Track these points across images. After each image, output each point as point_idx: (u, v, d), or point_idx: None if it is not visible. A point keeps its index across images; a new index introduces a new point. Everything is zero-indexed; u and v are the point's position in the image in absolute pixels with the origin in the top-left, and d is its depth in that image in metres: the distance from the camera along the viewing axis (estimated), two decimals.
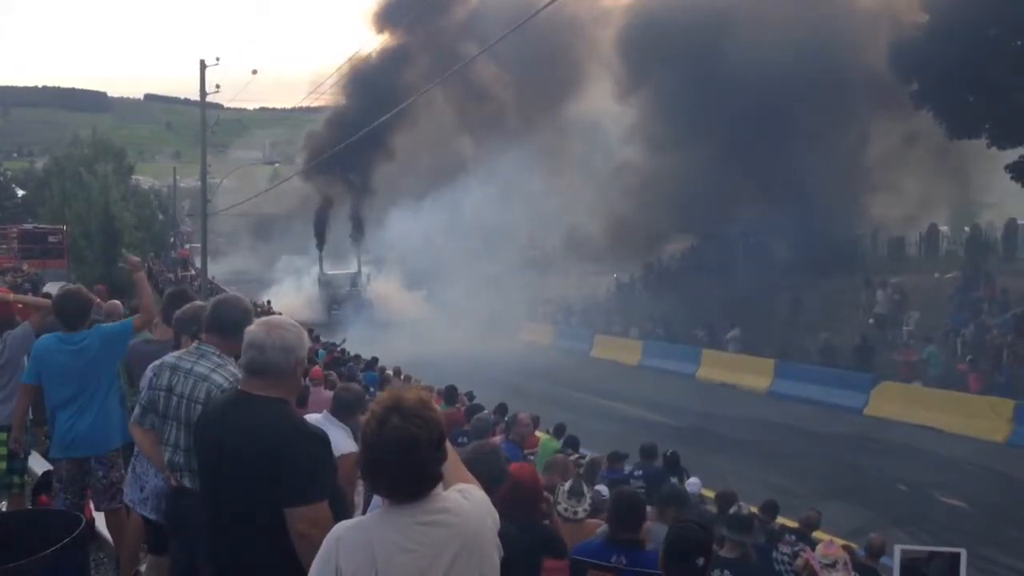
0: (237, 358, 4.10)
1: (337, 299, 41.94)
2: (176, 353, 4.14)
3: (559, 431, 11.72)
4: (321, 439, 3.14)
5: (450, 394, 10.92)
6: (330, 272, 44.95)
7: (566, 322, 33.53)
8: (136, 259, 6.01)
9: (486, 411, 10.98)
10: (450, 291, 34.25)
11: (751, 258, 30.55)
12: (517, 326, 33.06)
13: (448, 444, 2.48)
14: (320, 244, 45.09)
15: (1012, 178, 23.15)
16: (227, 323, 3.95)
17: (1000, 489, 15.23)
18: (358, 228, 43.62)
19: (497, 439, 8.35)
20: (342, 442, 4.65)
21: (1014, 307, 22.09)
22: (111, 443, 5.25)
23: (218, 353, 3.98)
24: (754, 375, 23.91)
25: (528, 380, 23.27)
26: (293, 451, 3.02)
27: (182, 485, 3.88)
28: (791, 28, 27.84)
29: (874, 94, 26.33)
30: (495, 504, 2.56)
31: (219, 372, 3.91)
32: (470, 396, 13.59)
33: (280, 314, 17.95)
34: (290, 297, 42.32)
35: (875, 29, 25.98)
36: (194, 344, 4.11)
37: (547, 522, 4.31)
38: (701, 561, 3.60)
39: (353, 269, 44.71)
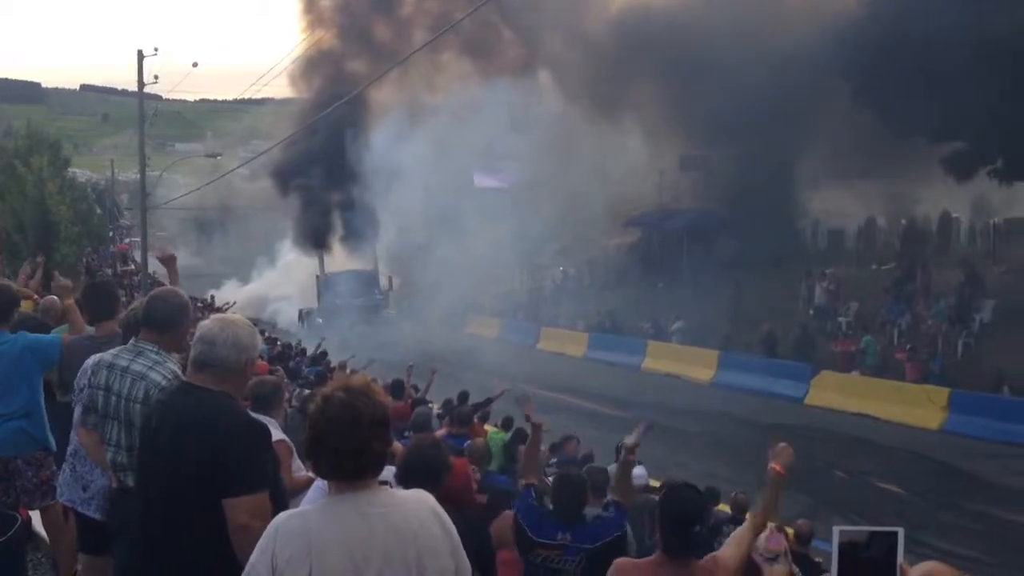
0: (179, 352, 4.06)
1: (342, 308, 33.41)
2: (114, 350, 4.07)
3: (507, 424, 11.76)
4: (262, 430, 3.16)
5: (397, 388, 10.88)
6: (333, 272, 36.86)
7: (512, 315, 33.58)
8: (67, 283, 5.81)
9: (430, 405, 10.99)
10: (418, 278, 33.93)
11: (695, 251, 30.99)
12: (464, 319, 33.06)
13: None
14: (321, 238, 37.79)
15: (946, 172, 23.84)
16: (162, 318, 3.89)
17: (935, 475, 15.68)
18: (368, 218, 35.38)
19: (441, 432, 8.36)
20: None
21: (948, 298, 22.73)
22: (36, 443, 5.12)
23: (156, 350, 3.92)
24: (698, 366, 24.24)
25: (474, 374, 23.34)
26: (234, 441, 3.02)
27: (125, 484, 3.83)
28: (732, 26, 28.31)
29: (814, 89, 26.77)
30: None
31: (157, 370, 3.85)
32: (416, 389, 13.57)
33: (225, 309, 17.53)
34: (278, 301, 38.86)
35: (815, 25, 26.41)
36: (131, 341, 4.04)
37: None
38: (699, 528, 3.59)
39: (366, 266, 36.94)
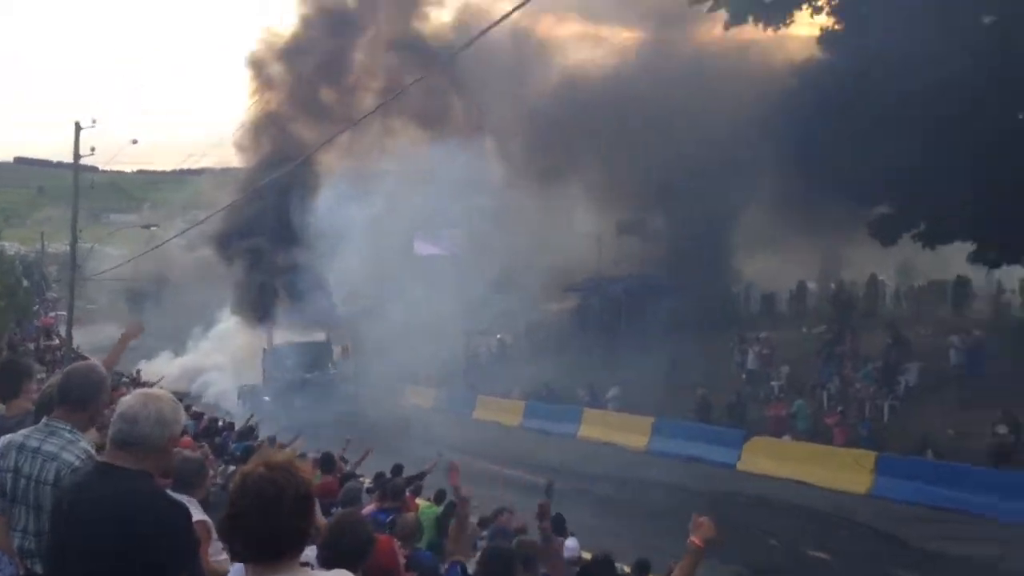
0: (100, 428, 3.97)
1: (291, 382, 30.51)
2: (25, 431, 4.00)
3: (439, 497, 11.65)
4: (183, 511, 3.05)
5: (326, 461, 10.74)
6: (282, 345, 33.36)
7: (450, 383, 33.46)
8: None
9: (361, 479, 10.85)
10: (359, 347, 33.05)
11: (632, 316, 31.34)
12: (401, 389, 32.78)
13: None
14: (266, 306, 34.13)
15: (872, 236, 24.64)
16: (78, 395, 3.83)
17: (863, 540, 15.83)
18: (316, 284, 32.12)
19: (371, 507, 8.28)
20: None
21: (875, 361, 23.30)
22: None
23: (70, 429, 3.84)
24: (633, 433, 24.33)
25: (409, 444, 23.13)
26: (153, 524, 2.91)
27: (33, 572, 3.74)
28: (667, 95, 29.18)
29: (746, 156, 27.59)
30: None
31: (69, 450, 3.77)
32: (345, 462, 13.38)
33: (154, 384, 16.88)
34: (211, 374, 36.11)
35: (747, 93, 27.33)
36: (44, 420, 3.98)
37: None
38: None
39: (315, 336, 33.76)
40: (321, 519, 4.99)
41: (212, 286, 41.58)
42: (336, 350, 33.59)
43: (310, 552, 4.37)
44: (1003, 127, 19.53)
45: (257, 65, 39.84)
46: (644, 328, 29.97)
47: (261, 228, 35.85)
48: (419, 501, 11.35)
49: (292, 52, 38.14)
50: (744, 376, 25.76)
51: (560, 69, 34.93)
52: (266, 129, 39.08)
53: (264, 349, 33.51)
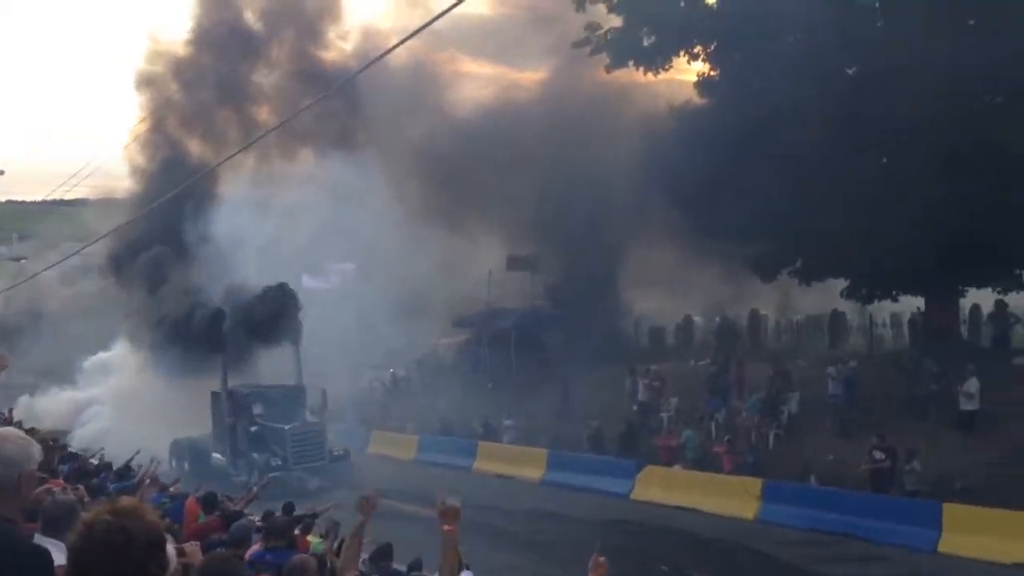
0: None
1: (268, 437, 24.85)
2: None
3: (333, 528, 11.34)
4: (44, 558, 2.90)
5: (209, 501, 10.34)
6: (246, 387, 26.68)
7: (341, 418, 32.84)
8: None
9: (249, 517, 10.47)
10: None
11: (524, 350, 31.50)
12: None
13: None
14: (219, 345, 26.41)
15: (753, 272, 25.51)
16: None
17: (750, 563, 16.23)
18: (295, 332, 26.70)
19: (256, 547, 7.97)
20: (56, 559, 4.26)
21: (759, 392, 24.00)
22: None
23: None
24: (528, 466, 24.35)
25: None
26: (12, 570, 2.78)
27: None
28: (555, 132, 29.72)
29: (633, 194, 28.22)
30: None
31: None
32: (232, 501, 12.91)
33: (18, 425, 15.75)
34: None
35: (633, 135, 28.01)
36: None
37: None
38: None
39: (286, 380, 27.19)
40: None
41: (96, 318, 39.08)
42: (318, 395, 26.74)
43: None
44: (866, 172, 20.55)
45: (148, 83, 38.19)
46: (536, 361, 30.21)
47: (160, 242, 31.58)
48: (310, 538, 11.02)
49: (187, 72, 36.82)
50: (635, 408, 26.14)
51: (455, 105, 35.14)
52: (158, 150, 37.37)
53: (215, 393, 26.61)
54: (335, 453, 24.86)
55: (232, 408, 25.90)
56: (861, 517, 17.32)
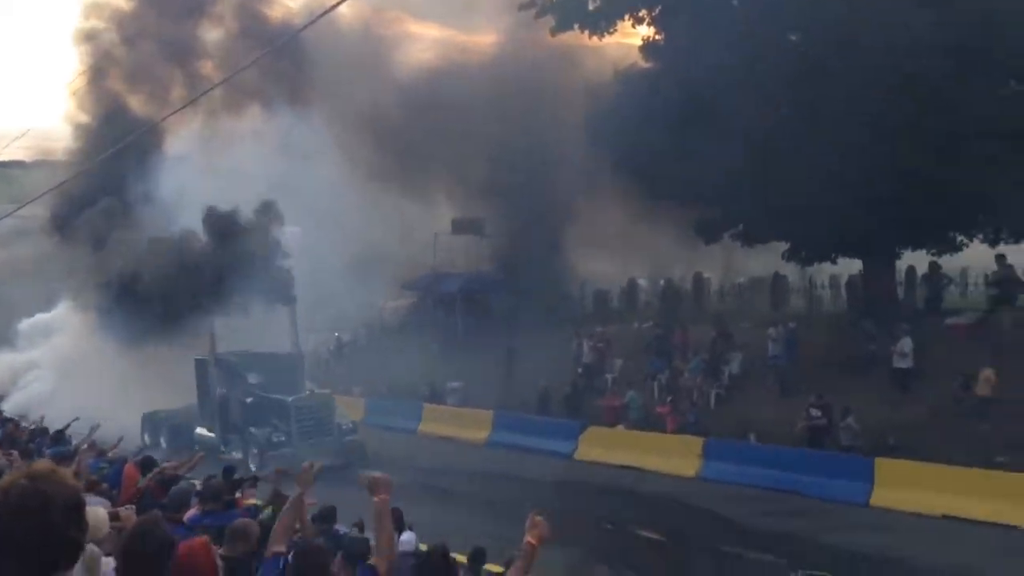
0: None
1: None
2: None
3: (275, 497, 11.30)
4: None
5: (147, 464, 10.23)
6: (229, 354, 23.56)
7: None
8: None
9: (187, 480, 10.38)
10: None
11: (470, 313, 31.55)
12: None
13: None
14: (198, 296, 23.05)
15: (696, 235, 25.75)
16: None
17: (692, 519, 16.60)
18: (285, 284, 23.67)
19: (194, 511, 7.93)
20: None
21: (702, 353, 24.38)
22: None
23: None
24: (473, 428, 24.51)
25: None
26: None
27: None
28: (501, 95, 29.53)
29: (578, 157, 28.23)
30: None
31: None
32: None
33: None
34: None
35: (579, 98, 27.95)
36: None
37: None
38: None
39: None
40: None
41: (34, 282, 37.46)
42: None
43: (108, 566, 4.12)
44: (807, 138, 20.78)
45: (88, 38, 36.72)
46: (482, 325, 30.27)
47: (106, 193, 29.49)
48: (253, 502, 10.98)
49: (129, 27, 35.53)
50: (580, 369, 26.39)
51: (402, 67, 34.69)
52: (99, 104, 35.97)
53: (201, 360, 23.89)
54: (344, 427, 22.47)
55: (223, 377, 23.21)
56: (798, 473, 17.81)
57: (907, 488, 16.26)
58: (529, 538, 4.16)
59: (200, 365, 23.98)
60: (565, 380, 25.46)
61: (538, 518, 4.25)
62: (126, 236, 27.49)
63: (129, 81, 35.39)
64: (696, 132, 21.49)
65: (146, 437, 24.32)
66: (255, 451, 21.27)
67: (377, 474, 4.84)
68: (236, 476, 11.47)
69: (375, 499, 4.70)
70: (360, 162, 32.77)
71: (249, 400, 22.43)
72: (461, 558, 10.21)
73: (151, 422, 25.00)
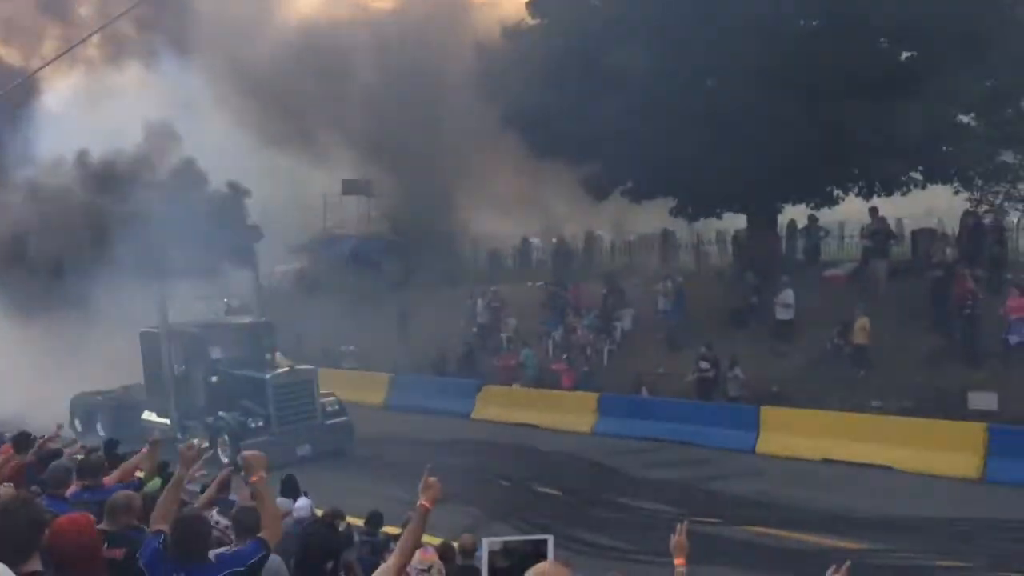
0: None
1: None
2: None
3: (162, 468, 10.98)
4: None
5: (21, 441, 9.76)
6: (184, 324, 20.10)
7: None
8: None
9: (67, 455, 9.97)
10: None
11: (363, 275, 31.14)
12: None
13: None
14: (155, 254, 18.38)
15: (586, 192, 25.95)
16: None
17: (587, 475, 16.92)
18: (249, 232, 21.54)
19: (74, 488, 7.62)
20: None
21: (595, 310, 24.74)
22: None
23: None
24: (370, 391, 24.35)
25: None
26: None
27: None
28: (387, 52, 28.98)
29: (468, 115, 28.03)
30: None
31: None
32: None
33: None
34: None
35: (464, 55, 27.66)
36: None
37: None
38: (330, 565, 3.65)
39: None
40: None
41: None
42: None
43: None
44: (690, 94, 21.11)
45: None
46: (374, 287, 29.92)
47: None
48: (139, 474, 10.65)
49: None
50: (475, 329, 26.48)
51: (285, 24, 33.61)
52: None
53: (148, 332, 20.26)
54: (329, 409, 19.56)
55: (180, 352, 19.75)
56: (689, 424, 18.39)
57: (790, 434, 17.00)
58: (423, 500, 4.21)
59: (148, 338, 20.33)
60: (459, 340, 25.50)
61: (431, 480, 4.30)
62: (3, 198, 25.00)
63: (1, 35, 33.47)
64: (582, 88, 21.59)
65: (77, 424, 21.20)
66: (224, 439, 18.07)
67: (250, 453, 4.89)
68: (119, 451, 11.08)
69: (252, 479, 4.80)
70: (247, 121, 31.80)
71: (214, 379, 19.26)
72: (358, 521, 10.17)
73: (83, 407, 21.56)
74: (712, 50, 20.50)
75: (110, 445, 11.28)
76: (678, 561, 4.64)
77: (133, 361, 20.89)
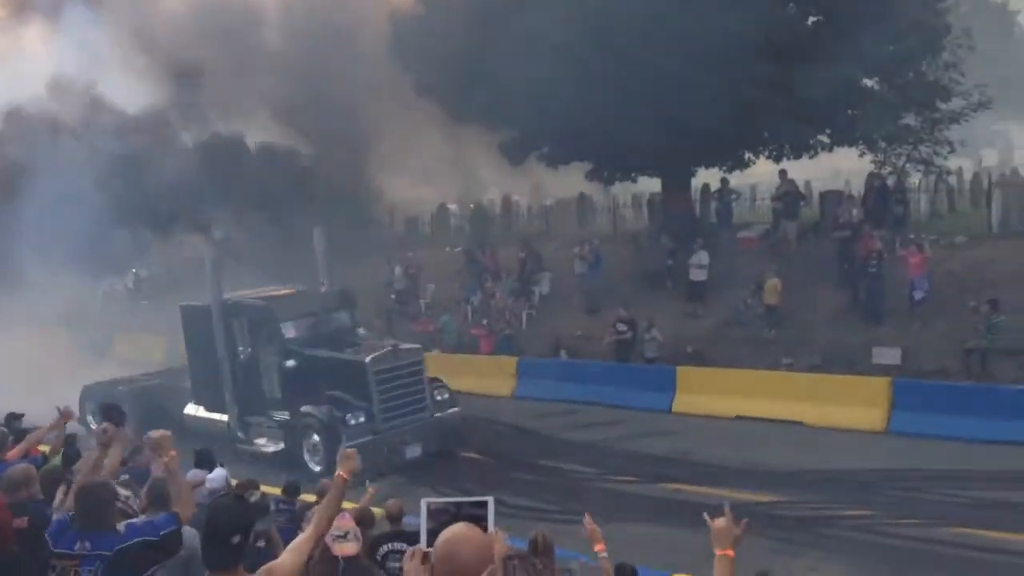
0: None
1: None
2: None
3: (69, 441, 10.63)
4: None
5: None
6: (243, 296, 17.19)
7: (83, 325, 30.62)
8: None
9: None
10: None
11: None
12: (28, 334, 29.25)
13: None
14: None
15: (502, 157, 25.89)
16: None
17: (510, 438, 17.08)
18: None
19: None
20: None
21: (513, 274, 24.80)
22: None
23: None
24: None
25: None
26: None
27: None
28: (291, 13, 28.27)
29: (381, 79, 27.58)
30: None
31: None
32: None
33: None
34: None
35: (377, 18, 27.15)
36: None
37: None
38: (237, 539, 3.65)
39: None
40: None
41: None
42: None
43: None
44: (604, 59, 21.12)
45: None
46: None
47: None
48: (42, 448, 10.31)
49: None
50: (393, 296, 26.29)
51: None
52: None
53: (192, 307, 17.27)
54: (439, 398, 16.24)
55: (244, 330, 16.29)
56: (607, 385, 18.66)
57: (704, 393, 17.39)
58: (340, 471, 4.24)
59: (191, 314, 17.08)
60: (378, 307, 25.28)
61: (349, 450, 4.34)
62: None
63: None
64: (498, 53, 21.44)
65: (91, 420, 16.84)
66: (314, 440, 14.86)
67: (156, 434, 4.96)
68: (23, 426, 10.68)
69: (163, 460, 4.91)
70: (157, 83, 30.75)
71: (290, 363, 15.63)
72: (275, 490, 10.06)
73: (99, 399, 16.80)
74: (623, 14, 20.52)
75: (11, 417, 10.89)
76: (597, 547, 4.82)
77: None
